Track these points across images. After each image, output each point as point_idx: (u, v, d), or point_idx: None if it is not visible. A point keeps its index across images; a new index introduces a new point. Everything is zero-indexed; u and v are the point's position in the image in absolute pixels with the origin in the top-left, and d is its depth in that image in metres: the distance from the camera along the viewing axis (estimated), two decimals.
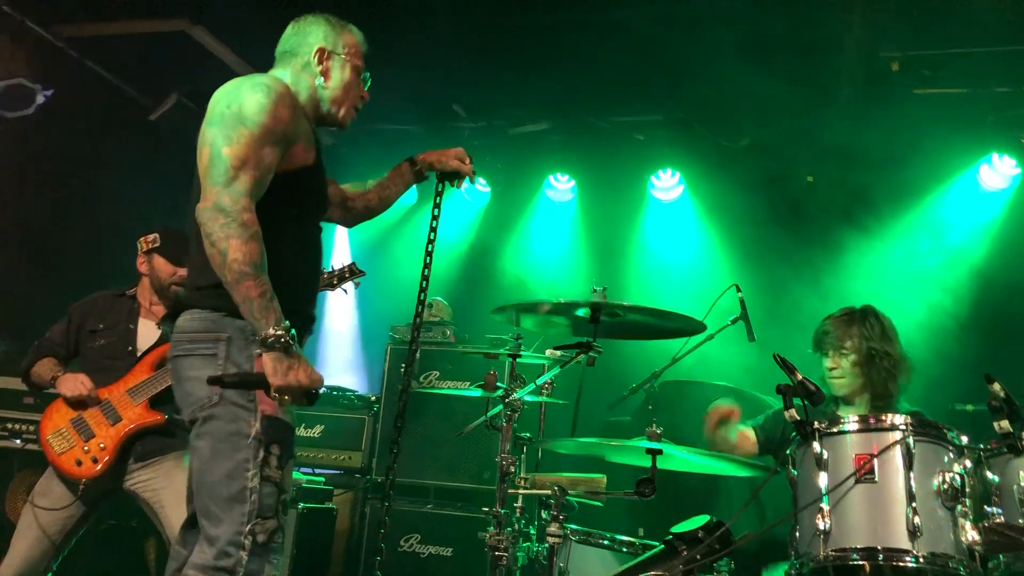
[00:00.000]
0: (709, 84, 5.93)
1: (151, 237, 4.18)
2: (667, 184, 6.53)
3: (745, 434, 3.87)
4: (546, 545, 3.28)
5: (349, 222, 3.32)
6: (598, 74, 6.09)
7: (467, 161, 3.40)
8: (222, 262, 2.42)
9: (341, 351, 7.00)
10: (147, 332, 4.11)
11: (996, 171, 5.77)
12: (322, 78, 2.83)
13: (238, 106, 2.54)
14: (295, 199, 2.70)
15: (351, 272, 4.40)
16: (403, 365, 3.38)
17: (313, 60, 2.82)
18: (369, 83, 2.98)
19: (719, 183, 6.33)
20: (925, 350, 5.30)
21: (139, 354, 4.03)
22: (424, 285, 3.40)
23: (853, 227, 5.80)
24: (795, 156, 6.09)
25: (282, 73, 2.84)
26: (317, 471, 5.61)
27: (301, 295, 2.75)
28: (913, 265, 5.75)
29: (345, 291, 4.45)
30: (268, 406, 2.55)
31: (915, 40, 5.52)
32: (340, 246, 7.32)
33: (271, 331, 2.42)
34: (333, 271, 4.38)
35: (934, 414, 3.60)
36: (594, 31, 5.64)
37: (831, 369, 3.74)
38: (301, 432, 5.67)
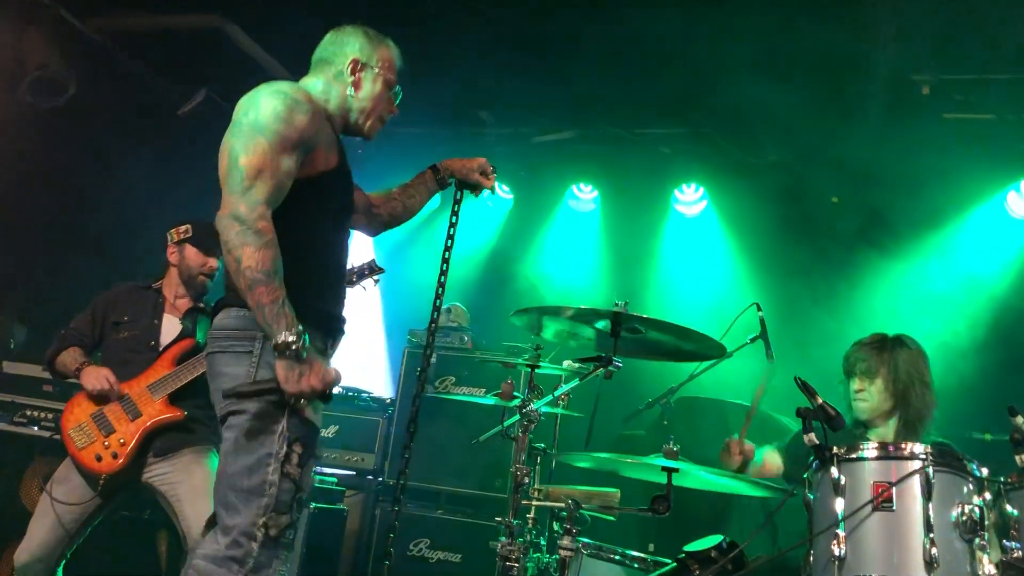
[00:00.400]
0: (737, 99, 5.91)
1: (183, 228, 4.21)
2: (690, 198, 6.51)
3: (771, 457, 3.85)
4: (556, 557, 3.28)
5: (374, 230, 3.35)
6: (624, 85, 6.09)
7: (490, 173, 3.40)
8: (236, 269, 2.46)
9: (359, 352, 7.01)
10: (170, 327, 4.14)
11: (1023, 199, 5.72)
12: (353, 88, 2.86)
13: (255, 114, 2.58)
14: (319, 203, 2.73)
15: (371, 269, 4.42)
16: (419, 369, 3.38)
17: (346, 70, 2.86)
18: (399, 98, 3.01)
19: (743, 199, 6.31)
20: (942, 377, 5.24)
21: (161, 349, 4.06)
22: (440, 291, 3.41)
23: (876, 249, 5.78)
24: (820, 176, 6.07)
25: (315, 80, 2.88)
26: (329, 471, 5.62)
27: (327, 297, 2.78)
28: (935, 290, 5.71)
29: (364, 288, 4.47)
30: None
31: (947, 65, 5.49)
32: (361, 246, 7.34)
33: (282, 338, 2.44)
34: (352, 268, 4.40)
35: (950, 442, 3.58)
36: (622, 42, 5.64)
37: (857, 391, 3.70)
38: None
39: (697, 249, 6.50)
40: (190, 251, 4.16)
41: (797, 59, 5.47)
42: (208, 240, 4.09)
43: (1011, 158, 5.69)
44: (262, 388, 2.52)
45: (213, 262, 4.17)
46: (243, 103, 2.64)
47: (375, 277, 4.46)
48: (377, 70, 2.89)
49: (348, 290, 4.45)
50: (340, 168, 2.80)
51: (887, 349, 3.71)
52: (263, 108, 2.59)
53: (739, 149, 6.33)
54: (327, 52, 2.91)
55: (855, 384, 3.72)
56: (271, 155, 2.53)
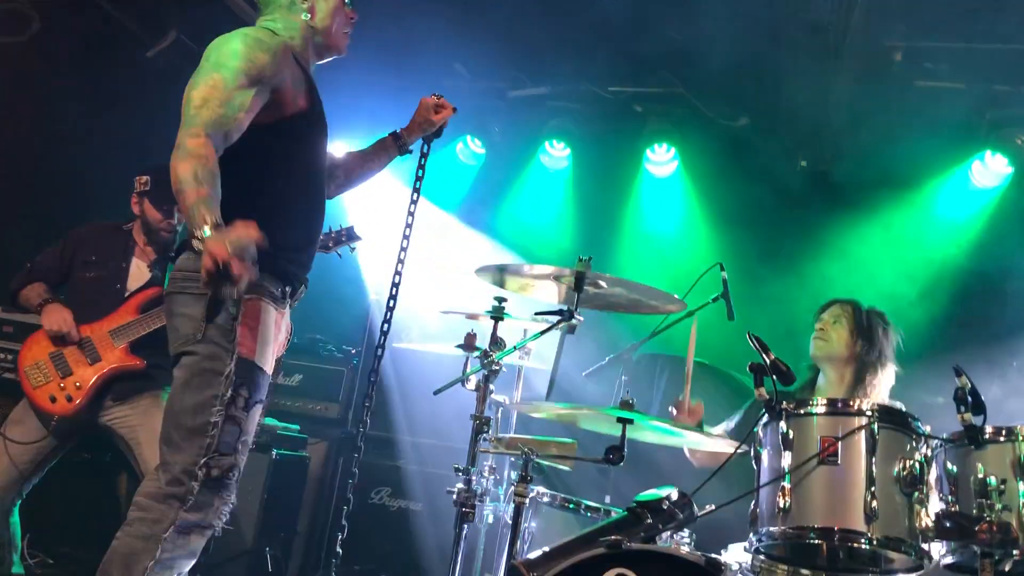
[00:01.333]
0: (710, 61, 5.91)
1: (144, 179, 4.15)
2: (662, 159, 6.51)
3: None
4: (512, 505, 3.33)
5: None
6: (601, 42, 6.06)
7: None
8: (175, 188, 2.41)
9: (325, 304, 7.00)
10: (139, 272, 4.11)
11: (988, 169, 5.78)
12: (309, 14, 2.87)
13: (215, 56, 2.59)
14: (290, 149, 2.73)
15: (348, 236, 4.32)
16: (383, 322, 3.40)
17: None
18: (351, 3, 3.00)
19: (713, 161, 6.34)
20: (905, 340, 5.36)
21: (127, 293, 4.02)
22: (405, 245, 3.42)
23: (842, 214, 5.83)
24: (791, 139, 6.11)
25: (270, 19, 2.86)
26: (293, 420, 5.65)
27: (306, 260, 2.80)
28: (898, 256, 5.78)
29: (339, 255, 4.39)
30: (246, 349, 2.60)
31: (919, 31, 5.52)
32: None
33: (198, 233, 2.34)
34: (329, 233, 4.30)
35: (908, 405, 3.67)
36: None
37: (820, 330, 3.92)
38: (278, 380, 5.69)
39: (666, 209, 6.53)
40: (148, 206, 4.11)
41: (771, 23, 5.47)
42: (166, 195, 3.96)
43: (977, 128, 5.74)
44: (215, 296, 2.40)
45: (172, 220, 4.11)
46: (208, 49, 2.64)
47: (352, 245, 4.37)
48: None
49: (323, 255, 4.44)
50: (311, 110, 2.78)
51: (861, 309, 3.93)
52: (223, 49, 2.60)
53: (711, 111, 6.32)
54: None
55: (819, 324, 3.93)
56: (222, 87, 2.52)
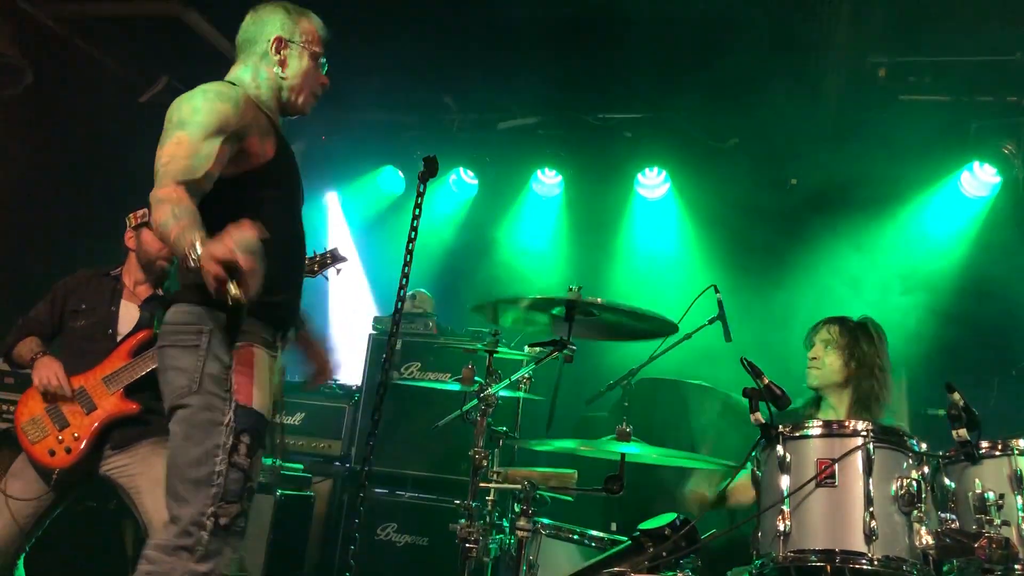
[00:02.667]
0: (697, 84, 5.98)
1: (140, 212, 4.17)
2: (653, 182, 6.57)
3: (746, 483, 3.91)
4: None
5: None
6: (588, 70, 6.13)
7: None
8: (160, 235, 2.45)
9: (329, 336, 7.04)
10: (128, 315, 4.10)
11: (977, 179, 5.83)
12: (280, 67, 2.88)
13: (178, 115, 2.61)
14: (263, 196, 2.75)
15: (332, 258, 4.36)
16: (384, 357, 3.41)
17: (271, 50, 2.87)
18: (326, 68, 3.01)
19: (704, 182, 6.39)
20: (900, 354, 5.38)
21: (119, 338, 4.02)
22: (404, 283, 3.45)
23: (834, 230, 5.86)
24: (781, 158, 6.16)
25: (243, 68, 2.89)
26: (297, 458, 5.65)
27: (293, 304, 2.85)
28: (892, 269, 5.81)
29: (326, 278, 4.43)
30: (244, 396, 2.62)
31: (902, 47, 5.58)
32: (332, 229, 7.36)
33: (195, 247, 2.34)
34: (314, 257, 4.35)
35: (907, 418, 3.69)
36: (586, 27, 5.68)
37: (812, 359, 3.86)
38: (280, 419, 5.71)
39: (659, 232, 6.57)
40: (147, 235, 4.12)
41: (758, 44, 5.53)
42: None
43: (965, 138, 5.79)
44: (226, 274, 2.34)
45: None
46: (169, 111, 2.66)
47: (337, 267, 4.42)
48: (301, 45, 2.90)
49: (310, 280, 4.49)
50: (279, 157, 2.80)
51: (848, 327, 3.85)
52: (183, 107, 2.62)
53: (700, 133, 6.39)
54: (249, 33, 2.91)
55: (811, 352, 3.87)
56: (187, 142, 2.54)
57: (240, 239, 2.33)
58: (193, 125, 2.57)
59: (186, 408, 2.61)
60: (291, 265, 2.91)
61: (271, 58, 2.87)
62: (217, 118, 2.60)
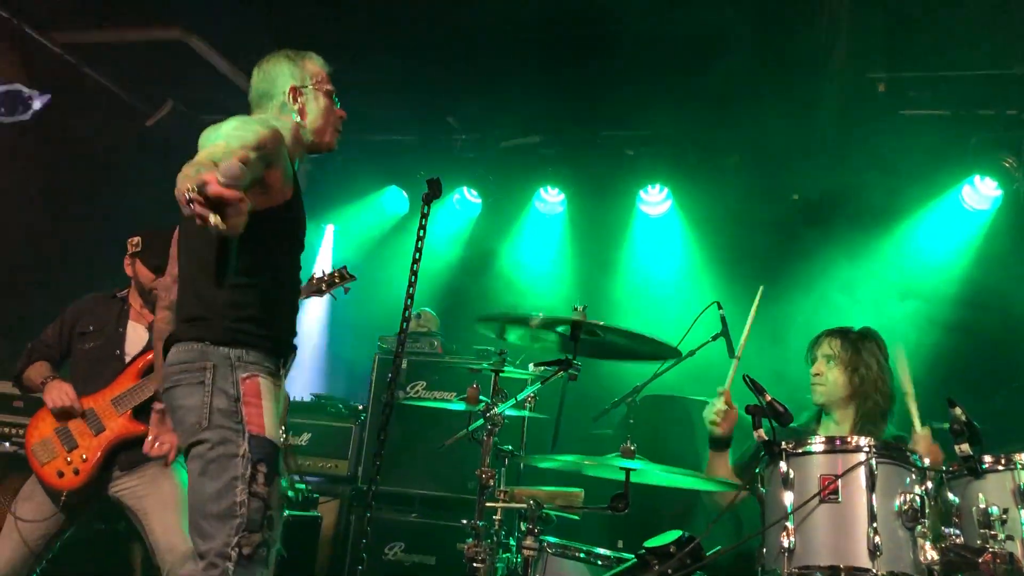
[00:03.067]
0: (698, 101, 6.03)
1: (135, 240, 4.20)
2: (655, 199, 6.60)
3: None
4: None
5: None
6: (589, 88, 6.17)
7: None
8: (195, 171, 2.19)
9: (330, 358, 7.07)
10: (136, 335, 4.13)
11: (978, 192, 5.85)
12: (299, 115, 2.97)
13: (214, 134, 2.59)
14: (276, 235, 2.80)
15: (341, 277, 4.40)
16: (389, 377, 3.44)
17: (288, 100, 2.96)
18: (339, 103, 3.09)
19: (706, 199, 6.42)
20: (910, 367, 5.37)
21: (127, 359, 4.05)
22: (409, 303, 3.48)
23: (837, 245, 5.88)
24: (782, 174, 6.18)
25: (264, 119, 2.92)
26: (303, 478, 5.67)
27: (280, 327, 2.87)
28: (895, 283, 5.82)
29: (334, 297, 4.46)
30: (256, 426, 2.65)
31: (901, 62, 5.61)
32: (324, 254, 7.40)
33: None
34: (323, 276, 4.38)
35: (910, 431, 3.68)
36: (586, 46, 5.72)
37: (815, 375, 3.85)
38: (287, 439, 5.73)
39: (662, 249, 6.59)
40: (140, 266, 4.16)
41: (755, 59, 5.57)
42: (156, 256, 4.02)
43: (966, 152, 5.81)
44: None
45: (162, 280, 4.14)
46: (205, 133, 2.63)
47: (346, 285, 4.45)
48: (313, 87, 3.00)
49: (318, 299, 4.51)
50: (294, 202, 2.85)
51: (849, 340, 3.85)
52: (222, 128, 2.62)
53: (701, 149, 6.42)
54: (262, 88, 3.00)
55: (813, 368, 3.87)
56: (223, 146, 2.44)
57: (226, 168, 2.16)
58: (233, 138, 2.52)
59: (201, 445, 2.64)
60: (289, 303, 2.96)
61: (289, 108, 2.96)
62: (256, 137, 2.55)
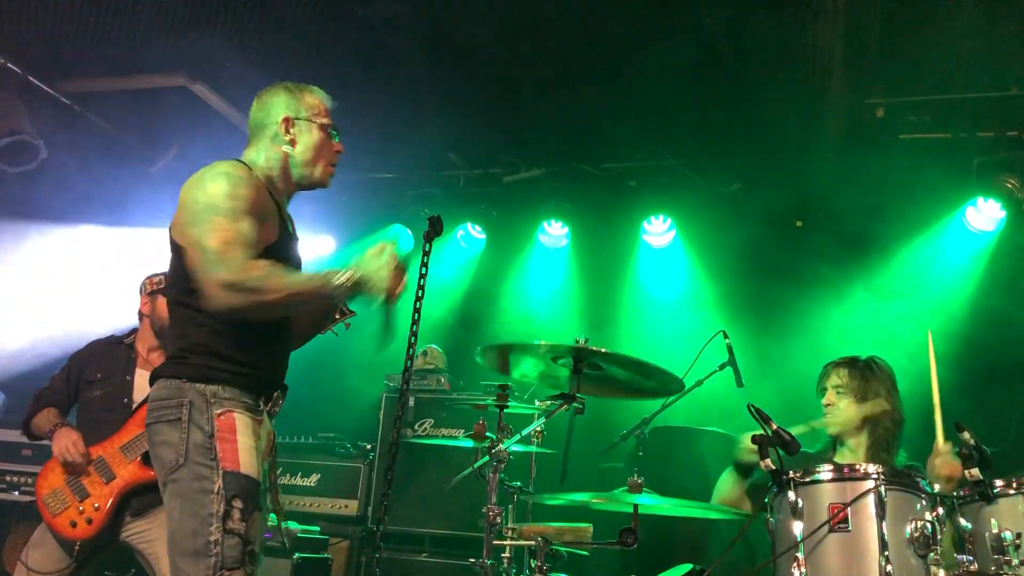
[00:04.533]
0: (699, 131, 6.06)
1: (156, 278, 4.22)
2: (659, 229, 6.61)
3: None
4: None
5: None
6: (590, 122, 6.21)
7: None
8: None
9: (338, 398, 7.04)
10: (143, 383, 4.09)
11: (982, 214, 5.83)
12: (291, 146, 2.95)
13: (205, 199, 2.67)
14: None
15: (341, 313, 4.38)
16: (396, 416, 3.42)
17: (280, 130, 2.95)
18: (338, 137, 3.07)
19: (709, 228, 6.42)
20: (913, 393, 5.32)
21: (135, 406, 4.06)
22: (413, 340, 3.46)
23: (842, 271, 5.86)
24: (784, 201, 6.18)
25: (255, 150, 2.96)
26: (313, 520, 5.63)
27: (273, 368, 2.89)
28: (902, 308, 5.78)
29: (335, 334, 4.42)
30: (230, 462, 2.65)
31: (899, 87, 5.63)
32: None
33: (336, 290, 2.67)
34: None
35: (921, 457, 3.65)
36: (585, 78, 5.77)
37: (826, 406, 3.83)
38: (296, 481, 5.71)
39: (667, 279, 6.59)
40: (162, 302, 4.17)
41: (754, 89, 5.61)
42: None
43: (967, 174, 5.80)
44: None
45: None
46: (190, 190, 2.72)
47: (346, 321, 4.42)
48: (308, 119, 2.97)
49: (321, 336, 4.48)
50: (281, 241, 2.87)
51: (858, 369, 3.84)
52: (210, 190, 2.69)
53: (703, 179, 6.44)
54: (258, 118, 2.99)
55: (824, 399, 3.85)
56: (233, 227, 2.63)
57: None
58: (228, 210, 2.65)
59: (177, 482, 2.64)
60: (275, 341, 2.93)
61: (282, 138, 2.95)
62: (245, 201, 2.70)
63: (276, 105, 2.98)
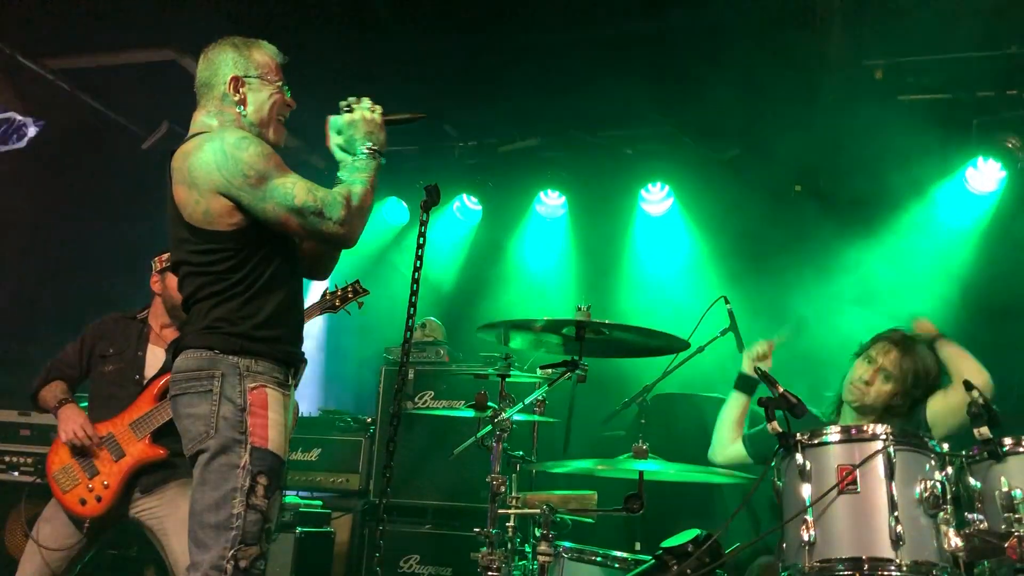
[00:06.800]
0: (696, 97, 5.99)
1: (166, 256, 4.13)
2: (656, 197, 6.56)
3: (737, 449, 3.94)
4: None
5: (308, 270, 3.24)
6: (587, 89, 6.13)
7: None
8: (363, 215, 2.82)
9: (338, 372, 7.02)
10: (155, 359, 4.08)
11: (982, 174, 5.79)
12: (241, 107, 2.85)
13: (254, 171, 2.68)
14: (279, 246, 2.77)
15: (354, 292, 4.30)
16: (395, 388, 3.39)
17: (229, 90, 2.84)
18: (290, 92, 2.98)
19: (707, 195, 6.37)
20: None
21: (146, 382, 4.01)
22: (412, 311, 3.42)
23: (841, 234, 5.82)
24: (783, 166, 6.13)
25: (206, 114, 2.87)
26: (315, 494, 5.62)
27: (290, 337, 2.84)
28: (903, 270, 5.75)
29: (348, 312, 4.37)
30: (259, 438, 2.62)
31: (897, 47, 5.56)
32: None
33: (372, 162, 2.88)
34: (336, 291, 4.28)
35: None
36: (581, 47, 5.70)
37: (865, 382, 3.72)
38: (298, 456, 5.69)
39: (666, 247, 6.55)
40: (171, 280, 4.09)
41: (753, 53, 5.53)
42: None
43: (967, 135, 5.75)
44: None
45: None
46: (221, 171, 2.66)
47: (360, 300, 4.36)
48: (258, 78, 2.87)
49: (332, 315, 4.42)
50: None
51: (913, 361, 3.72)
52: (247, 159, 2.67)
53: (701, 145, 6.38)
54: (204, 78, 2.89)
55: (866, 375, 3.73)
56: (294, 176, 2.73)
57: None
58: (276, 167, 2.72)
59: (204, 453, 2.63)
60: (298, 305, 2.92)
61: (231, 99, 2.85)
62: (273, 152, 2.78)
63: (224, 64, 2.86)
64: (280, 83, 2.93)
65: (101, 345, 4.11)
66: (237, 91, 2.84)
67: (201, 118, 2.88)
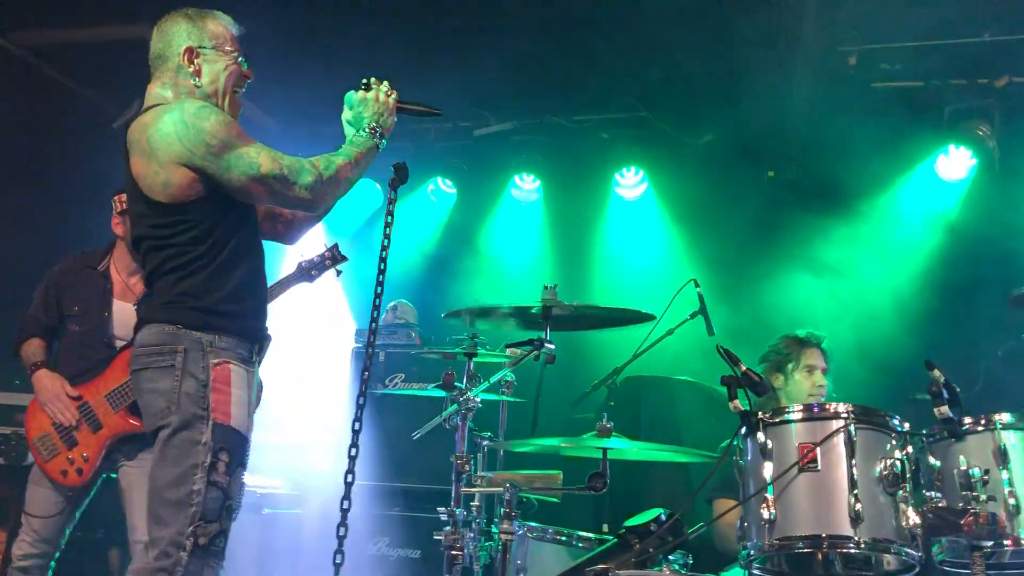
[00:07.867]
0: (671, 81, 5.98)
1: (124, 196, 4.02)
2: (631, 182, 6.56)
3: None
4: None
5: (281, 234, 3.23)
6: (562, 73, 6.12)
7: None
8: (352, 181, 2.90)
9: (308, 354, 6.97)
10: (123, 315, 3.91)
11: (953, 162, 5.83)
12: (196, 77, 2.80)
13: (216, 140, 2.63)
14: (231, 209, 2.74)
15: (332, 259, 4.06)
16: (363, 370, 3.36)
17: (183, 62, 2.80)
18: (247, 64, 2.93)
19: (681, 180, 6.38)
20: (887, 340, 5.36)
21: (117, 344, 3.87)
22: (379, 291, 3.39)
23: (813, 221, 5.84)
24: (756, 152, 6.15)
25: (161, 86, 2.83)
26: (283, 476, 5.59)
27: (254, 313, 2.81)
28: (874, 257, 5.80)
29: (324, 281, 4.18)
30: (221, 414, 2.60)
31: (871, 34, 5.58)
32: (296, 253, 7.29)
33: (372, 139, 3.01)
34: (312, 260, 4.07)
35: (895, 404, 3.68)
36: (557, 29, 5.67)
37: (820, 386, 4.06)
38: (270, 438, 5.64)
39: (640, 231, 6.55)
40: None
41: (728, 37, 5.53)
42: None
43: (939, 122, 5.78)
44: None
45: None
46: (183, 142, 2.61)
47: (337, 268, 4.09)
48: (213, 49, 2.82)
49: (308, 285, 4.30)
50: None
51: (831, 354, 4.24)
52: (209, 128, 2.63)
53: (675, 130, 6.38)
54: (158, 50, 2.85)
55: (819, 380, 4.08)
56: (259, 145, 2.71)
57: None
58: (238, 135, 2.70)
59: (165, 429, 2.60)
60: (262, 278, 2.88)
61: (186, 70, 2.80)
62: (235, 121, 2.78)
63: (177, 35, 2.81)
64: (236, 54, 2.88)
65: (67, 301, 3.97)
66: (192, 62, 2.79)
67: (156, 90, 2.83)
